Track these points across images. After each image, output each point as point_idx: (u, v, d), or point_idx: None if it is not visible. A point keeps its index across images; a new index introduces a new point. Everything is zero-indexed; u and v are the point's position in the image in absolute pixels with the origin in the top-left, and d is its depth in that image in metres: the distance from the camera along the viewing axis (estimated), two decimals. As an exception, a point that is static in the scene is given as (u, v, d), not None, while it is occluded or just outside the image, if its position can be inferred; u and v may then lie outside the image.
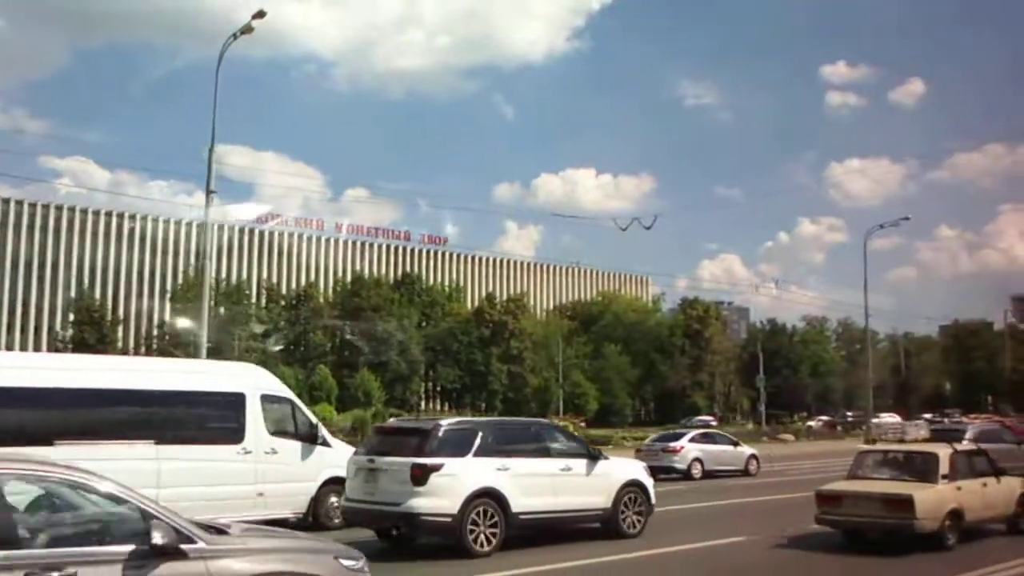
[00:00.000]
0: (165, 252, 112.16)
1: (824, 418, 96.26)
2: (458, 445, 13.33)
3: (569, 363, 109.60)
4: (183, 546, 6.03)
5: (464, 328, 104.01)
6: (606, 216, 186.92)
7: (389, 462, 13.27)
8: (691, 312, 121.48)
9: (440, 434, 13.44)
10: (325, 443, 16.64)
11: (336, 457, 16.07)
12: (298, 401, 16.99)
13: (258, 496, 15.02)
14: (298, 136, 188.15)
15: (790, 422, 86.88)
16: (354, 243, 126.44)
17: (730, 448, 32.98)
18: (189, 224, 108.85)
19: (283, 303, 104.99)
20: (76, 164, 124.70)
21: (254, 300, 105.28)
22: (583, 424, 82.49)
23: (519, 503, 13.25)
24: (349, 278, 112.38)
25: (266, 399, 15.93)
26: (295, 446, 16.05)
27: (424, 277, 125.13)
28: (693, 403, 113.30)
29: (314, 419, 17.12)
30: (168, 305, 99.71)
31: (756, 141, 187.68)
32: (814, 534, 14.67)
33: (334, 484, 15.78)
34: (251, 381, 16.11)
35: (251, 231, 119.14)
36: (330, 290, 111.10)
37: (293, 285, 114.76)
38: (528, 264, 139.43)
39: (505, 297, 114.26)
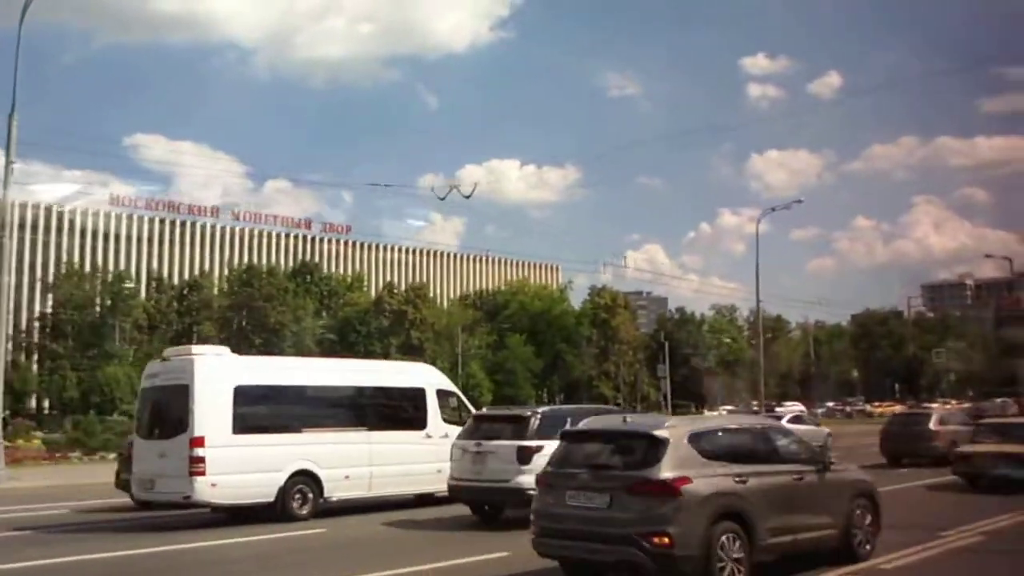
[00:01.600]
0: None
1: (728, 408, 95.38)
2: (553, 428, 13.97)
3: (471, 354, 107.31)
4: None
5: (362, 318, 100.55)
6: (530, 206, 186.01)
7: (496, 445, 15.30)
8: (598, 301, 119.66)
9: (538, 420, 15.43)
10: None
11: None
12: (461, 394, 20.37)
13: (437, 472, 17.30)
14: (219, 125, 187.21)
15: (695, 412, 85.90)
16: (251, 232, 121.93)
17: (813, 428, 36.21)
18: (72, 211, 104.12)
19: (172, 294, 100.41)
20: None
21: (144, 291, 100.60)
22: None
23: None
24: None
25: (440, 393, 19.45)
26: (460, 430, 17.87)
27: (327, 267, 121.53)
28: (600, 393, 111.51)
29: (472, 408, 20.08)
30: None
31: (678, 132, 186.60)
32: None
33: None
34: (428, 378, 19.90)
35: (139, 219, 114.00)
36: (224, 281, 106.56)
37: (186, 275, 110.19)
38: (435, 253, 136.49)
39: (406, 287, 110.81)
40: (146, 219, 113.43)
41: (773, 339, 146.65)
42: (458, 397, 20.18)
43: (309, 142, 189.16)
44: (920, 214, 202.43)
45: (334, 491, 17.38)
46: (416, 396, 19.13)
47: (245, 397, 16.49)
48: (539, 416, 15.76)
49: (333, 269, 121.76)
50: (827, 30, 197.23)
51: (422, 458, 18.28)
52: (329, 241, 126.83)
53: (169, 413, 16.63)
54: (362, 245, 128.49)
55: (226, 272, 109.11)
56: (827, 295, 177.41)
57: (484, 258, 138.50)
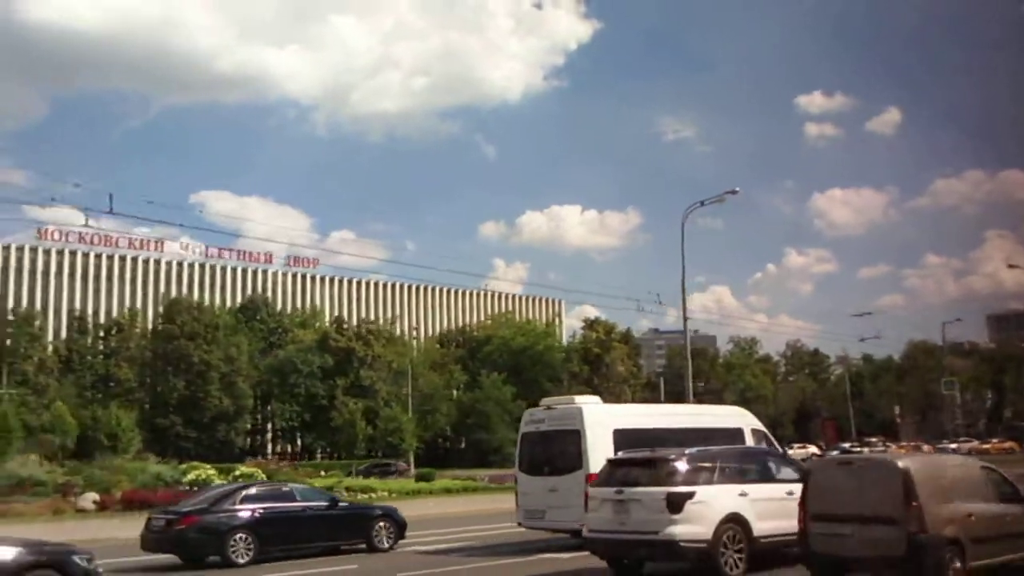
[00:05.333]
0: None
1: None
2: (703, 472, 13.88)
3: (438, 395, 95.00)
4: None
5: (304, 357, 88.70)
6: (592, 251, 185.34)
7: (641, 492, 13.81)
8: (590, 336, 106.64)
9: (686, 462, 14.05)
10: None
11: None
12: (768, 433, 21.24)
13: None
14: (281, 181, 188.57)
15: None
16: (201, 266, 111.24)
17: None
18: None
19: (93, 335, 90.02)
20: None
21: (63, 329, 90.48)
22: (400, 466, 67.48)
23: (758, 527, 13.70)
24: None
25: (753, 432, 20.55)
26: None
27: (289, 304, 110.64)
28: None
29: (777, 445, 21.32)
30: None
31: (737, 173, 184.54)
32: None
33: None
34: (743, 420, 21.11)
35: (72, 253, 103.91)
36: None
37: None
38: (418, 288, 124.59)
39: (358, 322, 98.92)
40: (79, 254, 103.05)
41: (809, 374, 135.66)
42: (766, 435, 20.88)
43: (371, 195, 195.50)
44: (991, 249, 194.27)
45: None
46: (737, 435, 19.82)
47: (622, 439, 17.28)
48: (686, 458, 14.28)
49: (297, 306, 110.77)
50: (883, 66, 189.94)
51: None
52: (294, 276, 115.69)
53: (558, 454, 18.31)
54: (331, 280, 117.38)
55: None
56: (903, 334, 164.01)
57: (474, 293, 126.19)
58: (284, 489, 19.97)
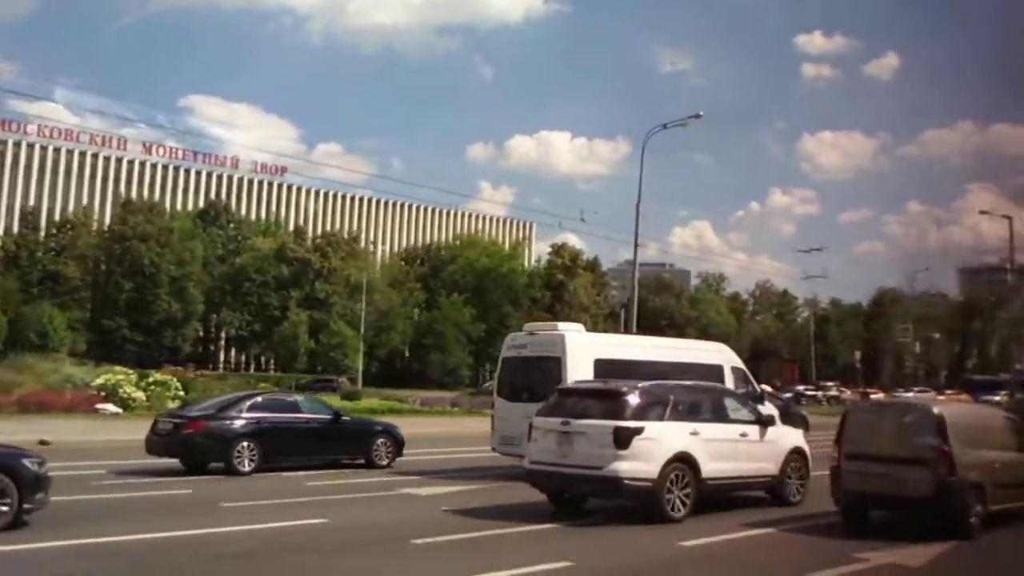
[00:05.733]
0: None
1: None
2: (654, 408, 13.36)
3: (395, 312, 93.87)
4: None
5: (259, 266, 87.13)
6: (579, 179, 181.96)
7: (586, 425, 13.18)
8: (556, 261, 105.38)
9: (637, 396, 13.42)
10: (763, 401, 19.91)
11: (772, 409, 18.01)
12: (747, 371, 21.50)
13: None
14: (272, 89, 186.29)
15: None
16: (164, 167, 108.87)
17: None
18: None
19: (45, 232, 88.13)
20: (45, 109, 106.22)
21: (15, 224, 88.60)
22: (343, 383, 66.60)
23: (707, 468, 13.25)
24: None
25: (733, 369, 20.56)
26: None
27: (255, 212, 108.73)
28: None
29: (755, 384, 21.76)
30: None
31: (730, 109, 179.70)
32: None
33: None
34: (724, 356, 21.04)
35: (30, 146, 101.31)
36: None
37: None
38: (387, 203, 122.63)
39: (321, 233, 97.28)
40: (37, 147, 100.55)
41: (777, 315, 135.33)
42: (745, 374, 21.12)
43: (362, 108, 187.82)
44: (974, 201, 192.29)
45: None
46: (717, 372, 19.78)
47: (603, 369, 17.21)
48: (638, 392, 13.56)
49: (262, 215, 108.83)
50: (886, 9, 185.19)
51: None
52: (260, 183, 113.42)
53: (538, 380, 17.67)
54: (300, 190, 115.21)
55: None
56: (877, 279, 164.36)
57: (446, 212, 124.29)
58: (289, 400, 20.22)
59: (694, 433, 13.32)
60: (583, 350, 17.80)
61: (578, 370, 17.10)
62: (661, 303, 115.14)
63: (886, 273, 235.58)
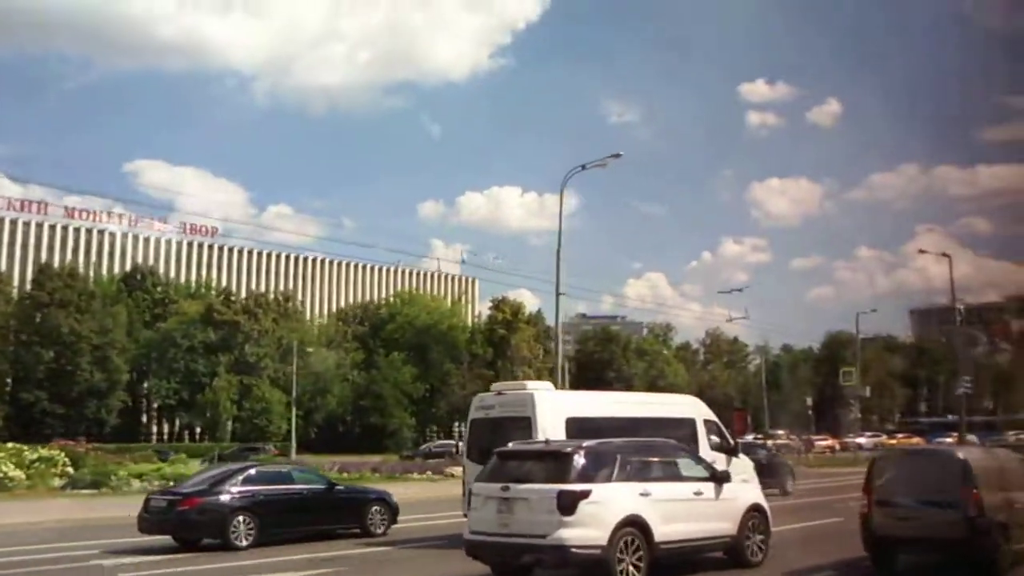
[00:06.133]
0: None
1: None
2: (600, 469, 12.61)
3: (331, 374, 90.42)
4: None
5: (186, 331, 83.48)
6: (530, 233, 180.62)
7: (528, 490, 12.43)
8: (497, 316, 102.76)
9: (582, 457, 12.64)
10: (737, 454, 20.02)
11: (746, 465, 19.75)
12: (719, 423, 20.56)
13: None
14: (219, 152, 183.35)
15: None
16: (88, 231, 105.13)
17: None
18: None
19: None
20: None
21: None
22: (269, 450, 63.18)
23: (660, 531, 12.52)
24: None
25: (705, 422, 19.78)
26: (723, 457, 18.87)
27: (183, 275, 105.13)
28: None
29: (730, 437, 20.76)
30: None
31: (679, 159, 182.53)
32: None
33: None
34: (696, 409, 20.23)
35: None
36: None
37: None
38: (326, 261, 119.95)
39: (247, 295, 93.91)
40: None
41: (729, 363, 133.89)
42: (718, 426, 20.46)
43: (311, 168, 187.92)
44: (921, 243, 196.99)
45: None
46: (689, 426, 19.28)
47: (574, 428, 16.66)
48: (583, 452, 12.76)
49: (192, 278, 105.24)
50: (826, 56, 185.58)
51: None
52: (191, 245, 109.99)
53: (508, 442, 15.42)
54: (232, 251, 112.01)
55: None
56: (829, 325, 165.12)
57: (384, 269, 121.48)
58: (283, 471, 20.34)
59: (644, 494, 12.61)
60: (553, 409, 17.38)
61: (548, 430, 16.55)
62: (607, 355, 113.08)
63: (840, 319, 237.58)
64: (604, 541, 11.89)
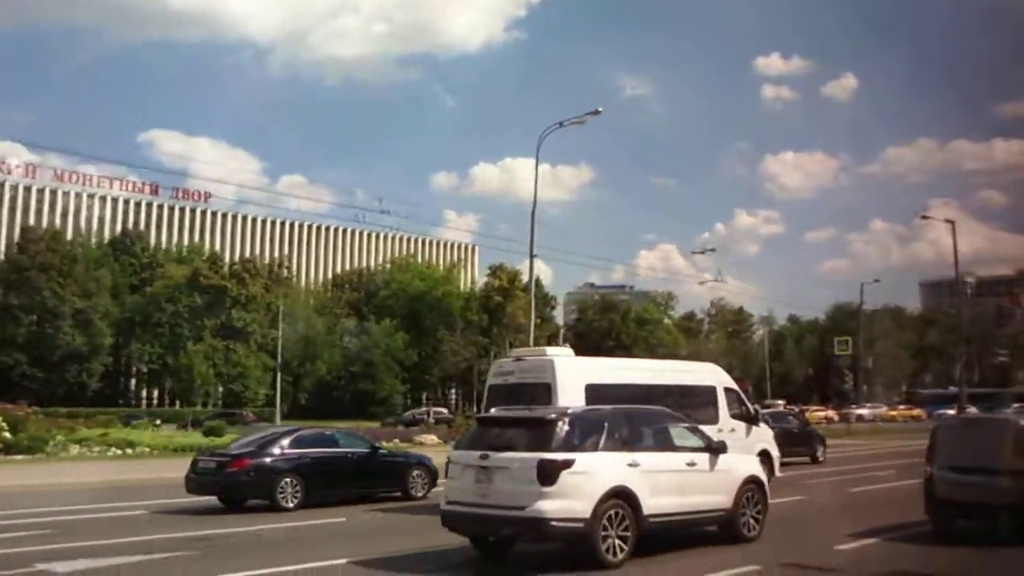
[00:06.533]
0: None
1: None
2: (586, 437, 11.74)
3: (323, 342, 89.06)
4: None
5: (171, 295, 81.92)
6: (544, 204, 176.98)
7: (507, 458, 11.53)
8: (493, 283, 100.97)
9: (566, 424, 11.75)
10: (758, 422, 20.45)
11: (766, 433, 20.67)
12: (739, 391, 20.42)
13: None
14: (234, 122, 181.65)
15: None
16: (77, 195, 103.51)
17: None
18: None
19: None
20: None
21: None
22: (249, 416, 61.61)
23: (649, 504, 11.66)
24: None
25: (726, 390, 19.71)
26: (743, 425, 19.57)
27: (175, 239, 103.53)
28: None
29: (750, 404, 20.76)
30: None
31: (692, 133, 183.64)
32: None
33: (763, 455, 18.70)
34: (718, 377, 20.11)
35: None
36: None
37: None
38: (320, 227, 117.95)
39: (239, 259, 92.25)
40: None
41: (733, 332, 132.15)
42: (739, 394, 20.35)
43: (325, 139, 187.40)
44: (936, 216, 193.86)
45: None
46: (710, 394, 19.40)
47: (594, 395, 16.20)
48: (568, 419, 11.86)
49: (184, 241, 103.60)
50: (842, 31, 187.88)
51: None
52: (182, 211, 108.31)
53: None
54: (224, 216, 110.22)
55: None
56: (840, 297, 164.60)
57: (380, 236, 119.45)
58: (327, 433, 20.36)
59: (633, 464, 11.82)
60: (573, 375, 16.97)
61: (569, 396, 16.20)
62: (607, 324, 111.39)
63: (853, 291, 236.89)
64: (587, 514, 11.13)
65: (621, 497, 11.42)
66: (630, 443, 12.08)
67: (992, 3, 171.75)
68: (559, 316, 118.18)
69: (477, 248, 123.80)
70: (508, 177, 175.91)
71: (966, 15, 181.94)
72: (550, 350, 18.61)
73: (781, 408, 67.83)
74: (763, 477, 13.81)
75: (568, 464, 11.14)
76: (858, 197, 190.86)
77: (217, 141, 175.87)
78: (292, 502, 17.19)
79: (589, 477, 11.26)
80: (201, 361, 76.29)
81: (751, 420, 19.89)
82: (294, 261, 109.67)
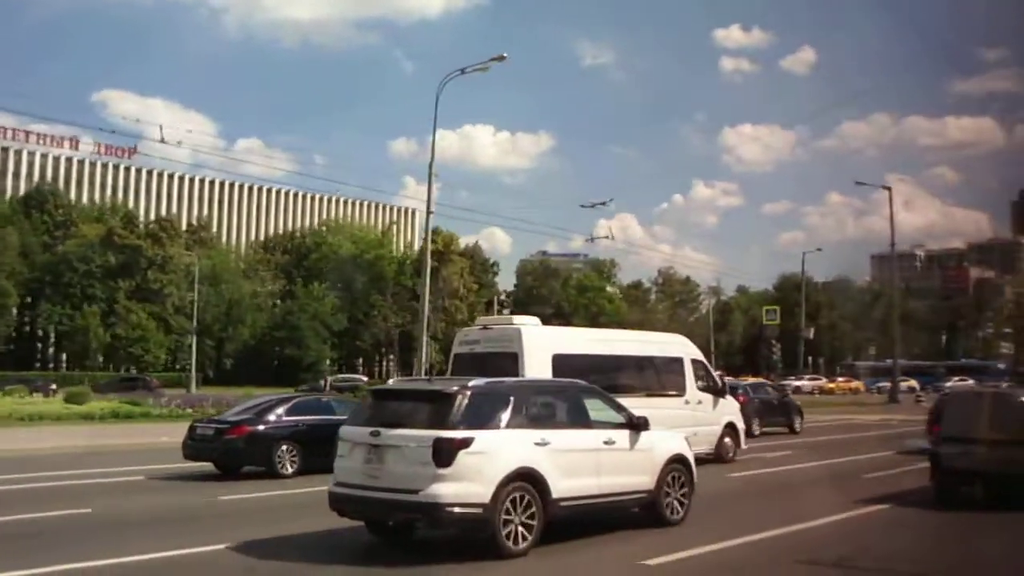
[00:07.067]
0: None
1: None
2: (488, 413, 10.52)
3: (247, 305, 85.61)
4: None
5: (83, 254, 77.87)
6: (503, 172, 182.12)
7: (400, 436, 10.31)
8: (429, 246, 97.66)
9: (466, 398, 10.45)
10: (724, 395, 20.52)
11: (732, 406, 20.69)
12: (707, 363, 20.78)
13: (693, 435, 16.34)
14: (189, 84, 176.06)
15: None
16: (30, 154, 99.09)
17: None
18: None
19: None
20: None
21: None
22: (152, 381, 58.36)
23: (559, 487, 10.61)
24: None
25: (693, 362, 19.84)
26: (709, 397, 19.84)
27: (98, 197, 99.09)
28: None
29: (717, 376, 21.17)
30: None
31: (652, 103, 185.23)
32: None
33: (730, 428, 20.12)
34: (685, 349, 20.16)
35: None
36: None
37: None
38: (252, 188, 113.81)
39: (156, 218, 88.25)
40: None
41: (680, 302, 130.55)
42: (705, 366, 20.55)
43: (282, 103, 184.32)
44: (872, 183, 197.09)
45: None
46: (677, 365, 19.58)
47: (561, 365, 16.45)
48: (469, 392, 10.54)
49: (107, 199, 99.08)
50: (801, 4, 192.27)
51: (682, 423, 17.12)
52: (104, 166, 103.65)
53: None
54: (151, 173, 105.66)
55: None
56: (796, 269, 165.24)
57: (314, 197, 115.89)
58: (323, 400, 20.26)
59: (542, 443, 10.74)
60: (541, 345, 17.10)
61: (536, 366, 16.39)
62: (546, 291, 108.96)
63: (807, 263, 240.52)
64: (486, 498, 10.09)
65: (526, 479, 10.41)
66: (540, 419, 11.13)
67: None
68: (504, 283, 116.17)
69: (417, 212, 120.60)
70: (467, 144, 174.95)
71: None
72: (517, 319, 18.56)
73: (762, 380, 66.48)
74: (689, 456, 12.78)
75: (466, 443, 10.12)
76: (815, 170, 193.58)
77: (171, 102, 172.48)
78: (290, 468, 17.28)
79: (490, 457, 10.23)
80: (98, 323, 72.48)
81: (718, 392, 20.10)
82: (224, 222, 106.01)
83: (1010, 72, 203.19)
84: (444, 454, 9.90)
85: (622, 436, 11.68)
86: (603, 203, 57.64)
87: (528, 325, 17.70)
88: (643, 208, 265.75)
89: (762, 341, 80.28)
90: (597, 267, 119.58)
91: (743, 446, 20.51)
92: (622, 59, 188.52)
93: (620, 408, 12.42)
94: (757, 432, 27.94)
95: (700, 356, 20.40)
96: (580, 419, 11.59)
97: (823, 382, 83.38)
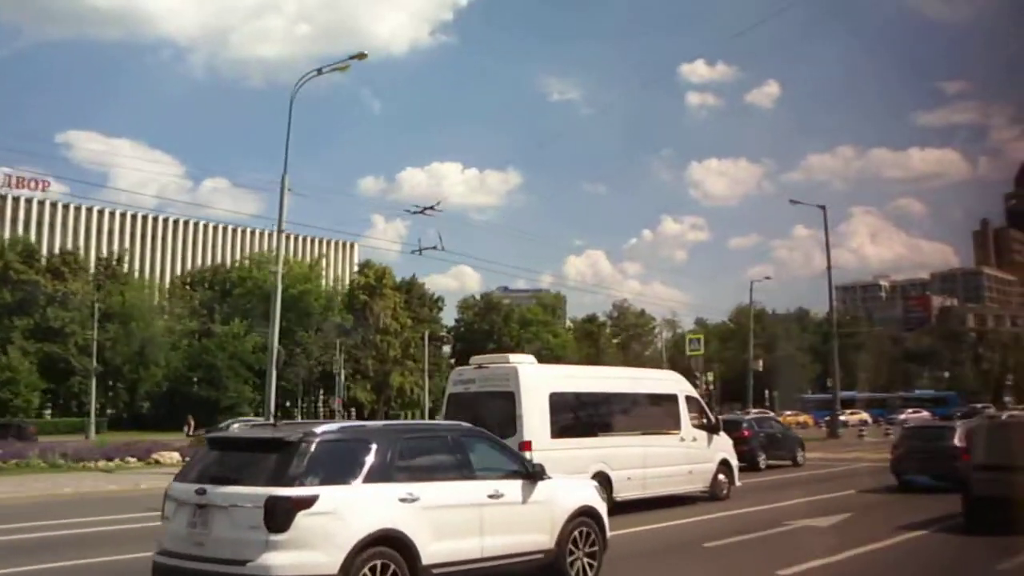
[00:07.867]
0: None
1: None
2: (340, 465, 8.84)
3: (159, 343, 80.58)
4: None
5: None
6: (472, 210, 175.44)
7: (229, 494, 8.48)
8: (359, 281, 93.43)
9: (312, 447, 8.64)
10: (719, 431, 20.25)
11: (725, 442, 20.36)
12: (701, 399, 20.70)
13: (688, 474, 18.97)
14: (155, 123, 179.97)
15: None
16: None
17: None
18: None
19: None
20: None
21: None
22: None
23: (432, 551, 9.00)
24: None
25: (687, 399, 19.77)
26: (704, 434, 19.68)
27: (11, 232, 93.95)
28: (352, 397, 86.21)
29: (711, 413, 20.92)
30: None
31: (619, 138, 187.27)
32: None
33: (724, 465, 19.90)
34: (680, 385, 20.16)
35: None
36: None
37: None
38: (178, 222, 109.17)
39: (59, 252, 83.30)
40: None
41: (633, 336, 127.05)
42: (699, 402, 20.53)
43: (248, 142, 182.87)
44: (857, 224, 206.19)
45: (620, 491, 17.25)
46: (671, 402, 19.53)
47: (558, 404, 16.87)
48: (316, 440, 8.72)
49: (22, 234, 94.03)
50: (765, 38, 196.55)
51: (679, 460, 18.79)
52: (16, 200, 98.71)
53: (491, 418, 15.48)
54: (67, 208, 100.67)
55: None
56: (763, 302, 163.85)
57: (242, 231, 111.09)
58: None
59: (409, 498, 8.88)
60: (537, 383, 16.91)
61: (533, 405, 16.41)
62: (487, 325, 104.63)
63: (774, 297, 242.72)
64: (333, 569, 8.17)
65: (389, 543, 8.68)
66: (409, 471, 9.34)
67: (913, 16, 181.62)
68: (449, 319, 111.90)
69: (356, 245, 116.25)
70: (435, 182, 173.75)
71: (886, 26, 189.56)
72: (513, 357, 18.29)
73: (758, 413, 62.89)
74: (601, 507, 11.11)
75: (307, 502, 8.28)
76: (782, 204, 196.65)
77: (137, 142, 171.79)
78: None
79: (340, 518, 8.42)
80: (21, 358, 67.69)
81: (712, 429, 20.04)
82: (147, 257, 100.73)
83: (971, 104, 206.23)
84: (279, 516, 8.13)
85: (512, 487, 10.16)
86: (430, 208, 53.83)
87: (524, 364, 17.53)
88: (612, 243, 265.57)
89: (688, 374, 76.26)
90: (542, 302, 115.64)
91: (737, 483, 20.28)
92: (589, 94, 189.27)
93: (512, 454, 11.17)
94: (763, 467, 27.70)
95: (694, 392, 20.51)
96: (460, 469, 9.91)
97: (770, 416, 79.13)
